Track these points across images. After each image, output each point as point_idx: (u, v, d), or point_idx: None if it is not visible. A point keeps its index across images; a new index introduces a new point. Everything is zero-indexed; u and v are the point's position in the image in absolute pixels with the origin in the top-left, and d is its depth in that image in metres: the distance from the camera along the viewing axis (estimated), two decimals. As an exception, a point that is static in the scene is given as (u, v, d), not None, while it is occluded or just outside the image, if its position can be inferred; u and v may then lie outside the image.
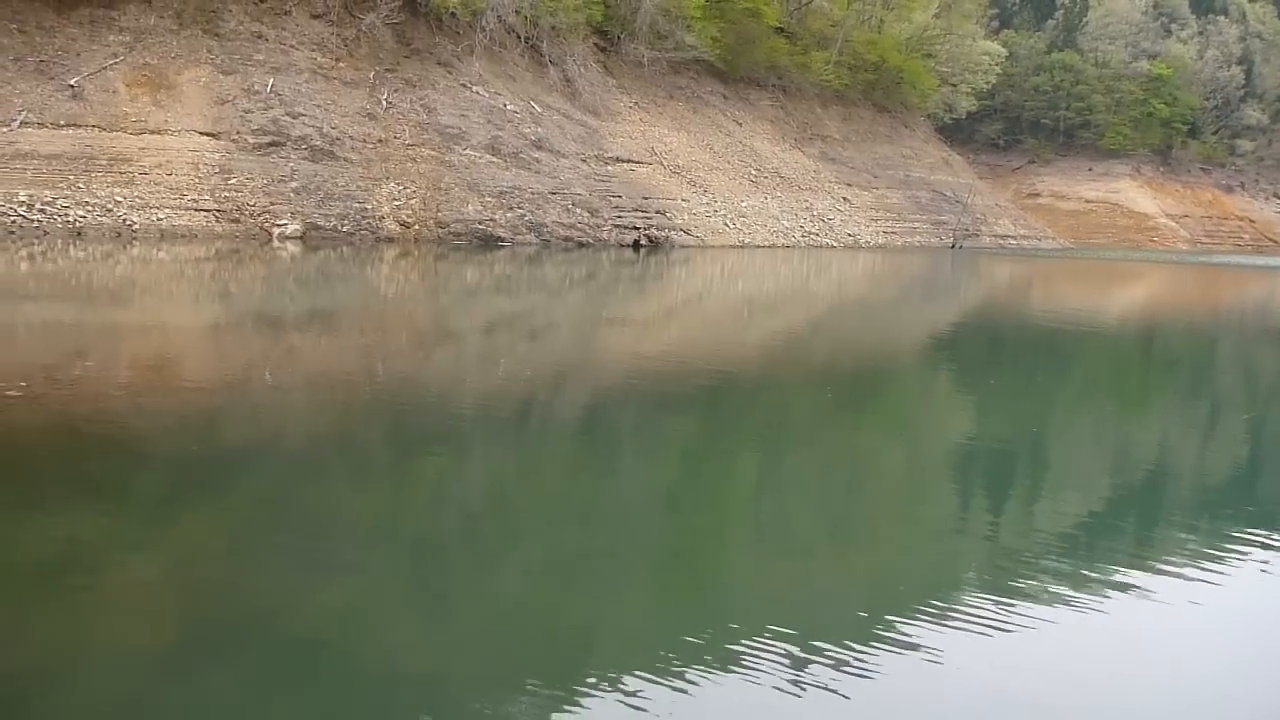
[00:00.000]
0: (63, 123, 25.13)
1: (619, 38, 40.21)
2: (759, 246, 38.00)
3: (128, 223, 23.98)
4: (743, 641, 4.31)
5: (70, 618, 4.29)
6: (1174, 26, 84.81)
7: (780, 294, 24.73)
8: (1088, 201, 78.25)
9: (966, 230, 52.39)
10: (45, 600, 4.43)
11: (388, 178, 28.74)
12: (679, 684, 3.92)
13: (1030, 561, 5.62)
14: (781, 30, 46.54)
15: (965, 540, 6.21)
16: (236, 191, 25.94)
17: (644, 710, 3.74)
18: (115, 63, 26.97)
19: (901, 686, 4.07)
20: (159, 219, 24.47)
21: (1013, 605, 4.86)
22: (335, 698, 3.78)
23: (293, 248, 24.42)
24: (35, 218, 22.94)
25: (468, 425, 8.39)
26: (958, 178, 57.36)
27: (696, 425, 9.14)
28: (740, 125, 44.70)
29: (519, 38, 34.57)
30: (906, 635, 4.48)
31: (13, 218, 22.65)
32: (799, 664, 4.14)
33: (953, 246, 49.35)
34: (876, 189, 49.39)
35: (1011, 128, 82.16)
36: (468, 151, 30.50)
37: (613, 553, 5.58)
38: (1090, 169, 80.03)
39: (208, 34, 28.68)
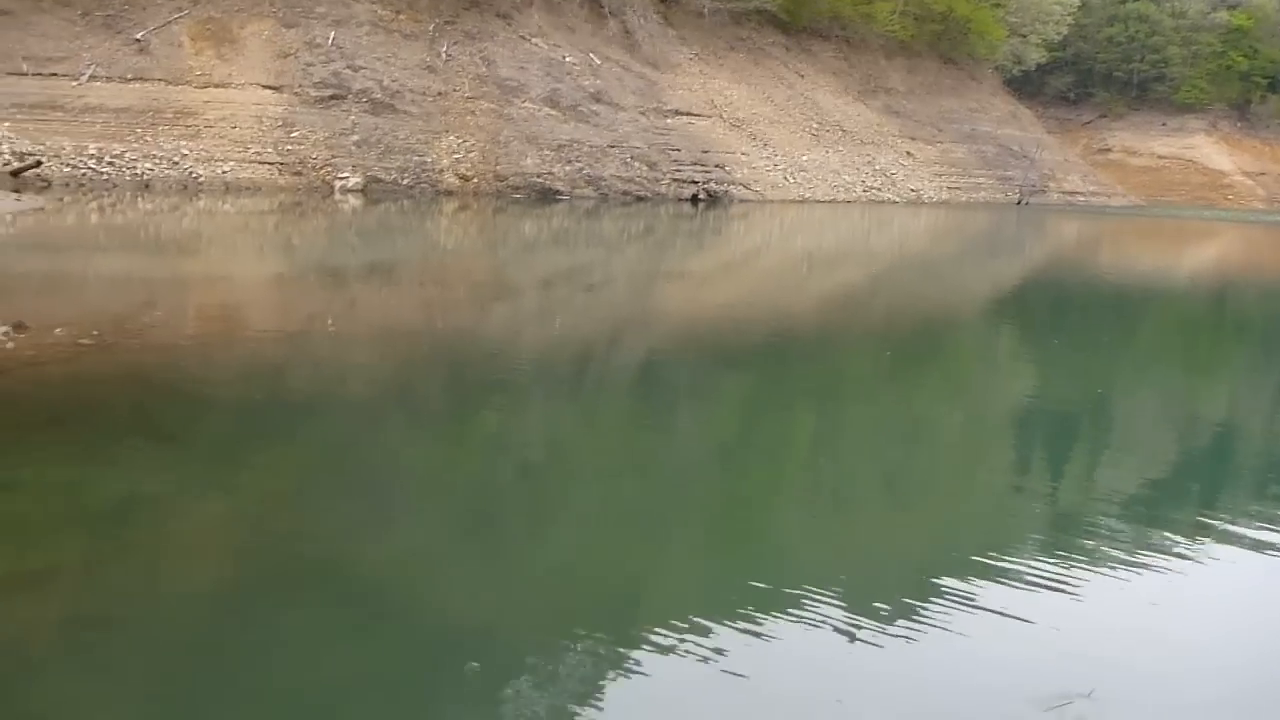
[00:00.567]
0: (129, 76, 25.47)
1: (680, -12, 39.71)
2: (819, 201, 37.55)
3: (194, 175, 24.34)
4: (797, 597, 4.32)
5: (140, 562, 4.42)
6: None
7: (840, 250, 24.46)
8: (1160, 158, 76.02)
9: (1033, 186, 51.26)
10: (116, 545, 4.57)
11: (447, 131, 28.80)
12: (731, 639, 3.94)
13: (1092, 523, 5.54)
14: (846, -21, 45.64)
15: (1024, 500, 6.15)
16: (299, 145, 26.18)
17: (697, 663, 3.77)
18: (180, 16, 27.22)
19: (959, 644, 4.05)
20: (224, 172, 24.80)
21: (1073, 565, 4.81)
22: (393, 645, 3.86)
23: (354, 201, 24.63)
24: (104, 170, 23.36)
25: (525, 378, 8.45)
26: (1025, 132, 56.05)
27: (753, 382, 9.12)
28: (802, 77, 44.01)
29: (579, -12, 34.31)
30: (965, 593, 4.45)
31: (83, 170, 23.08)
32: (853, 620, 4.14)
33: (1018, 203, 48.36)
34: (941, 143, 48.46)
35: (1082, 80, 79.83)
36: (526, 104, 30.43)
37: (667, 507, 5.60)
38: (1164, 124, 77.62)
39: (270, -13, 28.81)
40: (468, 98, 29.82)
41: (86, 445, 5.86)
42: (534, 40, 32.55)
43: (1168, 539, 5.33)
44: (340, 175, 26.02)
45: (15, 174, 21.65)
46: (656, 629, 4.00)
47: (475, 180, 28.28)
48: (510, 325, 11.32)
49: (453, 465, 6.20)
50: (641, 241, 22.47)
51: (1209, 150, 76.59)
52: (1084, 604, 4.47)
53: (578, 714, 3.47)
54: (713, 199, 32.94)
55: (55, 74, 24.51)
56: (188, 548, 4.61)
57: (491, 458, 6.41)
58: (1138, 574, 4.81)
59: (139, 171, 23.75)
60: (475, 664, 3.69)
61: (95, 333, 8.42)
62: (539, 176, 29.04)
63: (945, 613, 4.27)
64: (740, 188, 34.76)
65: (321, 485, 5.53)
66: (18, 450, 5.65)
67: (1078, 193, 55.26)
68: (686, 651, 3.83)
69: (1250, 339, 14.51)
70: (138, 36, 26.19)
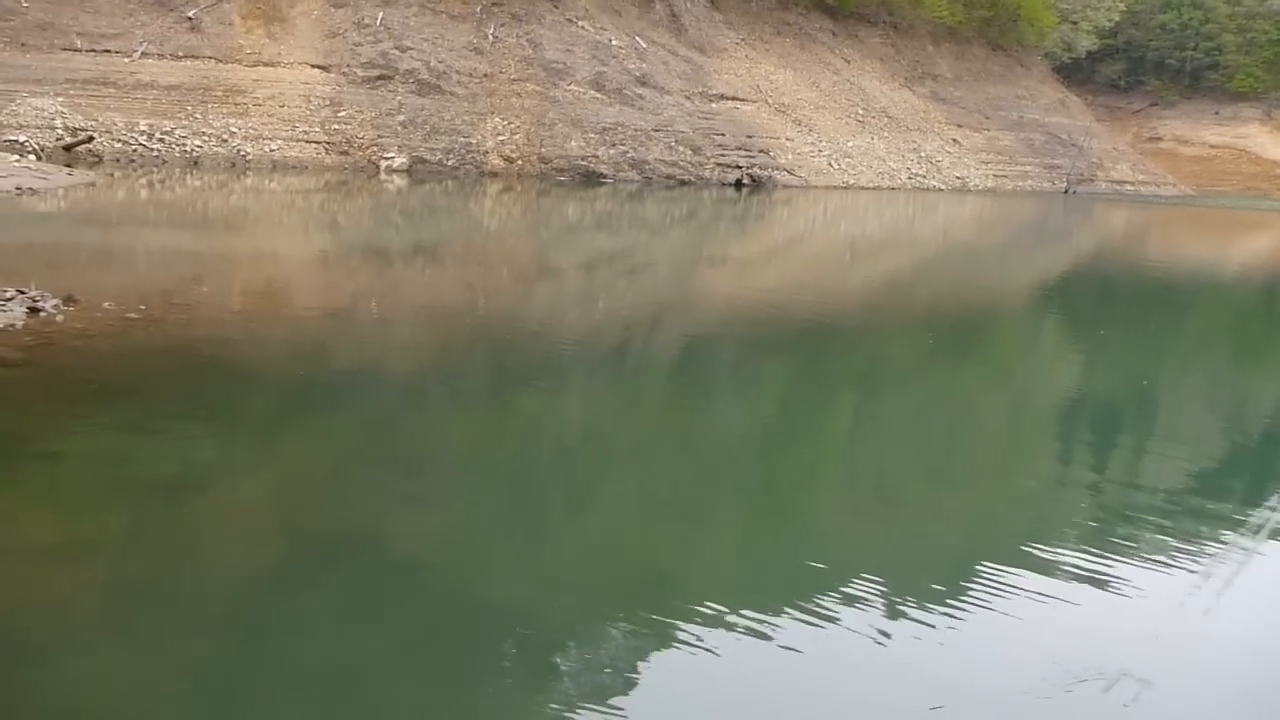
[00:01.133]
0: (181, 54, 25.77)
1: (727, -28, 39.46)
2: (863, 188, 37.26)
3: (242, 153, 24.59)
4: (835, 584, 4.31)
5: (184, 533, 4.49)
6: (1317, -39, 79.64)
7: (883, 237, 24.26)
8: (1212, 147, 74.57)
9: (1081, 175, 50.53)
10: (161, 516, 4.64)
11: (492, 112, 28.88)
12: (766, 624, 3.94)
13: (1132, 516, 5.48)
14: (894, -36, 45.16)
15: (1065, 491, 6.08)
16: (345, 124, 26.37)
17: (730, 648, 3.77)
18: (231, -5, 27.50)
19: (1001, 631, 4.02)
20: (271, 150, 25.04)
21: (1112, 558, 4.76)
22: (429, 620, 3.90)
23: (399, 180, 24.78)
24: (155, 147, 23.68)
25: (567, 360, 8.47)
26: (1074, 120, 55.18)
27: (794, 367, 9.08)
28: (848, 63, 43.63)
29: (626, -29, 34.20)
30: (1004, 583, 4.42)
31: (134, 146, 23.42)
32: (890, 608, 4.12)
33: (1066, 191, 47.69)
34: (987, 130, 47.87)
35: (1133, 68, 78.41)
36: (572, 87, 30.42)
37: (706, 491, 5.61)
38: (1216, 112, 76.08)
39: (319, -34, 29.00)
40: (513, 80, 29.86)
41: (133, 418, 5.95)
42: (580, 23, 32.50)
43: (1212, 532, 5.25)
44: (386, 155, 26.18)
45: (68, 149, 22.01)
46: (694, 611, 4.00)
47: (519, 162, 28.34)
48: (552, 307, 11.35)
49: (493, 445, 6.23)
50: (685, 226, 22.41)
51: (1263, 139, 74.94)
52: (1127, 597, 4.42)
53: (613, 692, 3.49)
54: (756, 184, 32.77)
55: (108, 50, 24.87)
56: (230, 520, 4.68)
57: (531, 438, 6.44)
58: (1181, 567, 4.75)
59: (188, 148, 24.04)
60: (515, 646, 3.72)
61: (143, 307, 8.54)
62: (583, 159, 29.04)
63: (986, 603, 4.24)
64: (784, 173, 34.56)
65: (363, 462, 5.59)
66: (66, 421, 5.75)
67: (1126, 182, 54.39)
68: (724, 634, 3.84)
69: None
70: (190, 15, 26.47)
